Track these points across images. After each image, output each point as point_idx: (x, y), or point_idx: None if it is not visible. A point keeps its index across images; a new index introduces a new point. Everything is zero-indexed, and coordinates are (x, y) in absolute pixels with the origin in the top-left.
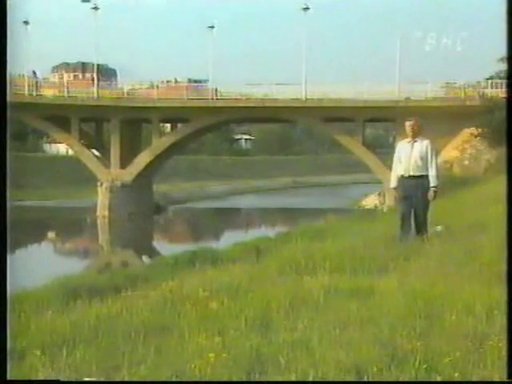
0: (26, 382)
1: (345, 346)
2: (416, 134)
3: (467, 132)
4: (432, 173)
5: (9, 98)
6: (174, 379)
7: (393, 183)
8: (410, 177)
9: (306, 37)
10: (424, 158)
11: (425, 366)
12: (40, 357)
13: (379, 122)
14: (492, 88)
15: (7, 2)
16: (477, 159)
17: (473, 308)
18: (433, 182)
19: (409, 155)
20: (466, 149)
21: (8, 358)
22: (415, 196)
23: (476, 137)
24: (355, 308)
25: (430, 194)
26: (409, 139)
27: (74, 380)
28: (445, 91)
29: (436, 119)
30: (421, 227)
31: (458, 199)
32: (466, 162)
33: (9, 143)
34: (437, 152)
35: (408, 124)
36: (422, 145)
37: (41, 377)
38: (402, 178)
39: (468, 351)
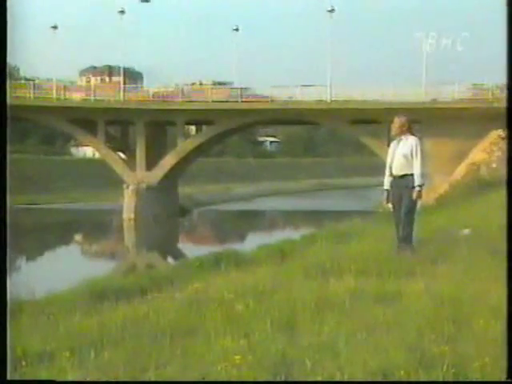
0: (26, 381)
1: (371, 350)
2: (401, 132)
3: (495, 134)
4: (416, 171)
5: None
6: (200, 381)
7: (385, 184)
8: (395, 177)
9: (331, 38)
10: (408, 157)
11: (453, 370)
12: (69, 358)
13: None
14: None
15: (7, 3)
16: (504, 161)
17: (501, 312)
18: (417, 180)
19: (393, 154)
20: (493, 151)
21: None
22: (400, 198)
23: (503, 139)
24: (381, 311)
25: (414, 193)
26: (397, 137)
27: (100, 380)
28: (472, 93)
29: (463, 121)
30: (403, 234)
31: (485, 202)
32: (494, 165)
33: (34, 147)
34: (463, 154)
35: (394, 121)
36: (407, 142)
37: (69, 378)
38: (391, 179)
39: (497, 356)
